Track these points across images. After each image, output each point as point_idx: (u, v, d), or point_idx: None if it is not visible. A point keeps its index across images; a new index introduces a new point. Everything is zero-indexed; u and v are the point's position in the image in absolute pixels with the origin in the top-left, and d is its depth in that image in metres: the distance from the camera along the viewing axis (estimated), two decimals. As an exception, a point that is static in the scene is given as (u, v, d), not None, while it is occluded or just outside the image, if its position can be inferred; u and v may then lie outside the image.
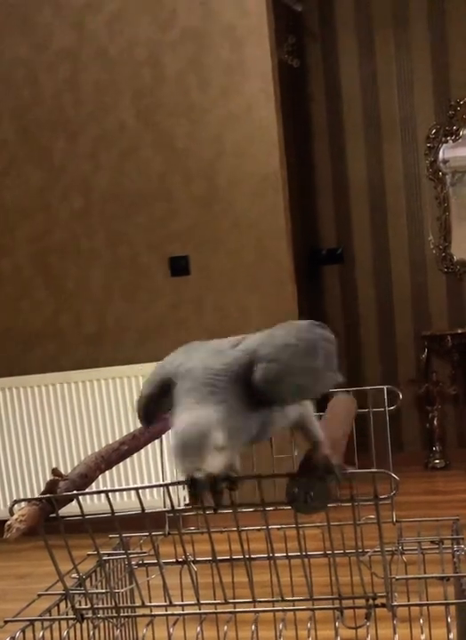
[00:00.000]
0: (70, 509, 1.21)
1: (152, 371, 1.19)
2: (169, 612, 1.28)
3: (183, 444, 0.99)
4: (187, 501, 3.66)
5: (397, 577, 1.32)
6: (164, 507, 1.30)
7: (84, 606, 1.27)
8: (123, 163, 4.08)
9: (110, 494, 1.12)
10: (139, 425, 1.30)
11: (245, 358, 1.08)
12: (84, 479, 1.17)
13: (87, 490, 1.20)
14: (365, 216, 5.08)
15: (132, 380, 3.92)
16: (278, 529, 1.54)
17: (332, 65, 5.08)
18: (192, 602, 1.24)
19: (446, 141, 4.96)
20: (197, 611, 1.25)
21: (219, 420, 1.00)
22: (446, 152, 4.97)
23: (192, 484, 1.00)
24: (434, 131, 4.95)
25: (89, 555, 1.43)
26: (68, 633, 1.27)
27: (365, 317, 5.06)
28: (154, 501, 3.39)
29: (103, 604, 1.36)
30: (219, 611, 1.26)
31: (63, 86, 4.12)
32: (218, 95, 3.96)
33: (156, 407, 1.14)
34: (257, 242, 3.96)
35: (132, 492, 1.12)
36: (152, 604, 1.29)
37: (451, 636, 1.22)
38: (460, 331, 4.73)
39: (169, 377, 1.12)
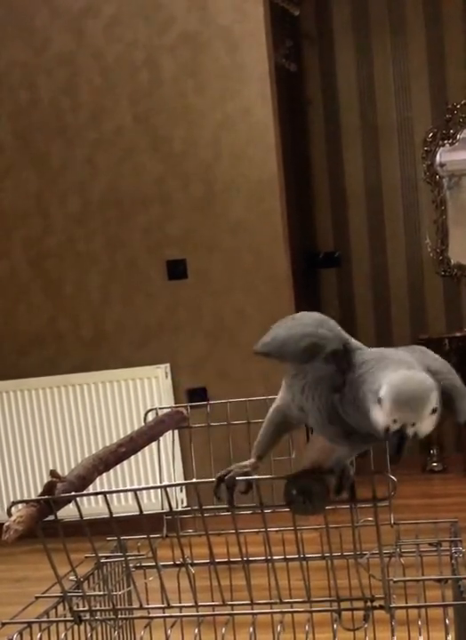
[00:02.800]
0: (68, 512, 1.21)
1: (313, 318, 1.15)
2: (167, 615, 1.28)
3: (411, 394, 0.98)
4: (185, 504, 3.66)
5: (396, 579, 1.32)
6: (162, 509, 1.30)
7: (81, 609, 1.27)
8: (120, 166, 4.08)
9: (108, 496, 1.12)
10: (136, 428, 1.30)
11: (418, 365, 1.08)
12: (82, 481, 1.17)
13: (85, 491, 1.19)
14: (363, 219, 5.08)
15: (129, 384, 3.91)
16: (276, 532, 1.54)
17: (329, 69, 5.09)
18: (190, 604, 1.24)
19: (443, 145, 4.96)
20: (195, 613, 1.25)
21: (434, 384, 1.01)
22: (443, 155, 4.98)
23: (397, 440, 0.98)
24: (431, 134, 4.96)
25: (87, 557, 1.43)
26: (65, 635, 1.27)
27: (363, 321, 5.06)
28: (151, 504, 3.39)
29: (101, 606, 1.36)
30: (217, 613, 1.26)
31: (61, 90, 4.12)
32: (215, 99, 3.97)
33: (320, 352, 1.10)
34: (254, 245, 3.96)
35: (130, 495, 1.12)
36: (150, 606, 1.28)
37: (449, 638, 1.21)
38: (457, 334, 4.73)
39: (346, 339, 1.11)
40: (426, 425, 1.00)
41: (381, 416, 1.00)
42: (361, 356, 1.09)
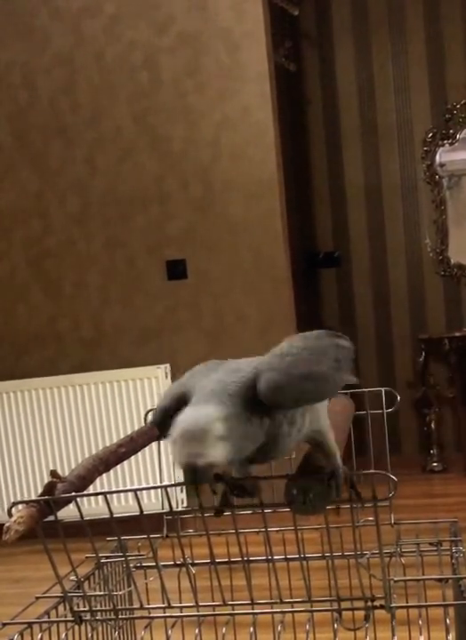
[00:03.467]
0: (69, 513, 1.21)
1: (170, 386, 1.24)
2: (167, 615, 1.28)
3: (183, 432, 1.02)
4: (185, 504, 3.66)
5: (396, 579, 1.32)
6: (163, 509, 1.29)
7: (82, 609, 1.27)
8: (119, 166, 4.08)
9: (108, 496, 1.12)
10: (136, 428, 1.30)
11: (253, 372, 1.10)
12: (83, 481, 1.17)
13: (85, 492, 1.19)
14: (362, 219, 5.08)
15: (129, 384, 3.91)
16: (277, 531, 1.53)
17: (328, 69, 5.09)
18: (191, 604, 1.24)
19: (443, 145, 4.96)
20: (196, 613, 1.25)
21: (219, 414, 1.03)
22: (443, 155, 4.97)
23: (191, 474, 1.02)
24: (430, 134, 4.96)
25: (87, 557, 1.43)
26: (66, 635, 1.27)
27: (363, 320, 5.06)
28: (152, 504, 3.38)
29: (101, 606, 1.36)
30: (217, 613, 1.26)
31: (60, 90, 4.12)
32: (214, 99, 3.97)
33: (170, 420, 1.16)
34: (254, 245, 3.96)
35: (130, 496, 1.12)
36: (150, 606, 1.28)
37: (449, 637, 1.21)
38: (457, 334, 4.73)
39: (185, 392, 1.15)
40: (213, 455, 1.02)
41: (172, 455, 1.04)
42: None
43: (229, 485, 1.18)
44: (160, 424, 1.18)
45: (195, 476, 1.02)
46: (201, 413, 1.04)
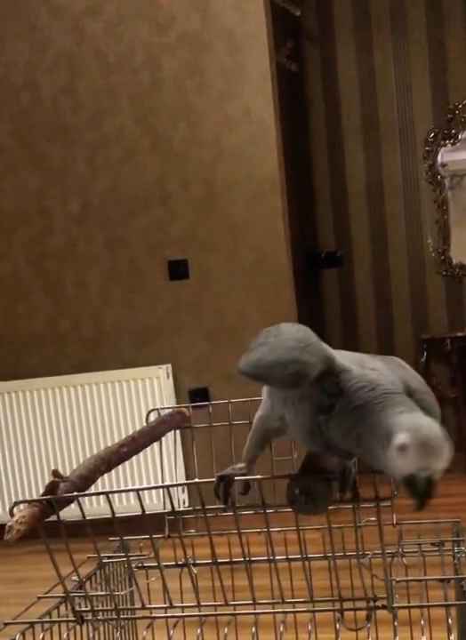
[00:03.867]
0: (70, 513, 1.21)
1: (298, 336, 1.13)
2: (169, 615, 1.28)
3: (436, 444, 1.03)
4: (187, 504, 3.66)
5: (398, 579, 1.32)
6: (164, 509, 1.29)
7: (84, 609, 1.27)
8: (121, 166, 4.07)
9: (110, 496, 1.12)
10: (138, 428, 1.30)
11: (401, 386, 1.12)
12: (84, 481, 1.17)
13: (87, 492, 1.19)
14: (364, 219, 5.08)
15: (131, 384, 3.91)
16: (279, 532, 1.53)
17: (330, 69, 5.09)
18: (192, 604, 1.24)
19: (445, 145, 4.96)
20: (198, 613, 1.25)
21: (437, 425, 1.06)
22: (445, 156, 4.97)
23: (423, 486, 1.03)
24: (432, 134, 4.95)
25: (89, 557, 1.43)
26: (68, 635, 1.27)
27: (364, 320, 5.06)
28: (154, 504, 3.38)
29: (103, 606, 1.36)
30: (219, 613, 1.26)
31: (62, 90, 4.12)
32: (216, 99, 3.96)
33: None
34: (256, 245, 3.96)
35: (132, 496, 1.12)
36: (152, 606, 1.28)
37: (451, 638, 1.21)
38: (459, 334, 4.73)
39: (332, 359, 1.11)
40: (440, 471, 1.05)
41: (404, 463, 1.03)
42: (350, 380, 1.10)
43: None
44: (297, 380, 1.08)
45: (426, 489, 1.03)
46: (439, 428, 1.05)
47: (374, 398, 1.07)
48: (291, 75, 4.93)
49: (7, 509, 3.16)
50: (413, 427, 1.02)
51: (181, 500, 3.72)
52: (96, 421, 3.95)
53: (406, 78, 4.98)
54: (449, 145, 4.96)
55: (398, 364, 1.19)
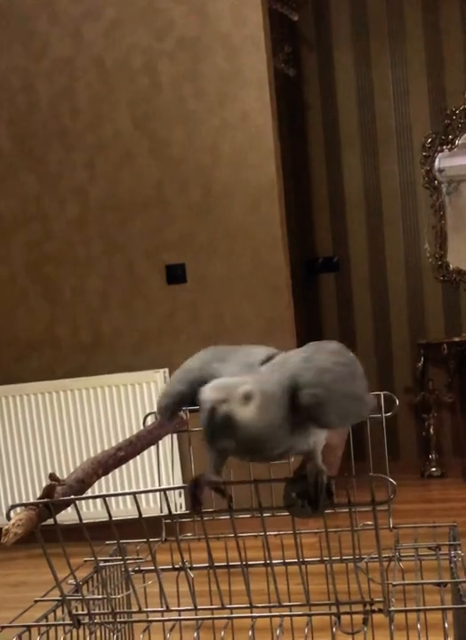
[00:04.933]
0: (67, 516, 1.21)
1: (181, 370, 1.22)
2: (166, 618, 1.27)
3: (212, 386, 1.04)
4: (184, 508, 3.65)
5: (395, 583, 1.32)
6: (161, 512, 1.29)
7: (80, 612, 1.27)
8: (119, 171, 4.08)
9: (107, 500, 1.12)
10: (136, 431, 1.30)
11: (286, 381, 1.09)
12: (81, 484, 1.17)
13: (84, 495, 1.19)
14: (361, 225, 5.09)
15: (128, 388, 3.91)
16: (275, 535, 1.53)
17: (328, 74, 5.10)
18: (189, 608, 1.24)
19: (442, 150, 4.98)
20: (194, 617, 1.25)
21: (255, 384, 1.04)
22: (442, 161, 4.99)
23: (211, 424, 1.01)
24: (430, 140, 4.97)
25: (86, 561, 1.43)
26: (64, 639, 1.27)
27: (361, 326, 5.07)
28: (150, 508, 3.38)
29: (100, 609, 1.36)
30: (216, 617, 1.26)
31: (60, 95, 4.12)
32: (214, 104, 3.97)
33: (181, 405, 1.16)
34: (253, 250, 3.97)
35: (129, 500, 1.12)
36: (149, 609, 1.28)
37: (448, 642, 1.21)
38: (456, 339, 4.74)
39: (204, 378, 1.13)
40: (242, 410, 1.02)
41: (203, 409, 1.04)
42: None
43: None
44: (172, 408, 1.17)
45: (214, 426, 1.01)
46: (234, 379, 1.05)
47: None
48: (288, 80, 4.94)
49: (4, 512, 3.17)
50: (203, 390, 1.04)
51: (179, 503, 3.72)
52: (94, 425, 3.95)
53: (404, 83, 4.99)
54: (446, 150, 4.97)
55: (314, 349, 1.18)
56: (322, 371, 1.11)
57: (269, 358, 1.17)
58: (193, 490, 1.15)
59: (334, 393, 1.09)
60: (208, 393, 1.03)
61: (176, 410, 1.17)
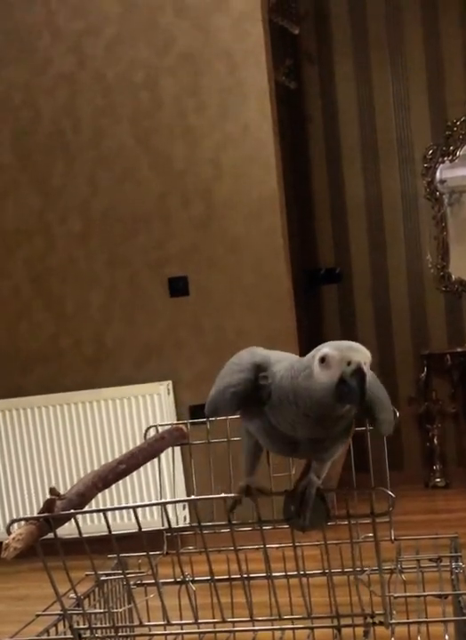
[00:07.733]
0: (68, 531, 1.21)
1: (231, 364, 1.31)
2: (167, 632, 1.28)
3: (351, 345, 1.08)
4: (187, 520, 3.65)
5: (396, 595, 1.32)
6: (162, 526, 1.30)
7: (82, 626, 1.27)
8: (121, 185, 4.10)
9: (108, 514, 1.12)
10: (137, 443, 1.31)
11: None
12: (82, 498, 1.17)
13: (84, 509, 1.20)
14: (363, 236, 5.10)
15: (131, 401, 3.92)
16: (276, 548, 1.53)
17: (329, 87, 5.12)
18: (190, 621, 1.24)
19: (443, 161, 4.98)
20: (196, 630, 1.25)
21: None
22: (444, 172, 4.99)
23: (361, 378, 1.04)
24: (431, 151, 4.98)
25: (87, 575, 1.43)
26: (65, 653, 1.27)
27: (364, 336, 5.07)
28: (152, 521, 3.38)
29: (101, 623, 1.36)
30: (217, 630, 1.26)
31: (62, 110, 4.15)
32: (215, 117, 3.99)
33: (247, 393, 1.18)
34: (255, 262, 3.97)
35: (130, 514, 1.12)
36: (150, 623, 1.28)
37: (449, 654, 1.21)
38: (459, 349, 4.74)
39: (263, 366, 1.19)
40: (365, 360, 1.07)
41: (329, 372, 1.07)
42: (275, 367, 1.18)
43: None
44: (241, 396, 1.17)
45: (359, 382, 1.04)
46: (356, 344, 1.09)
47: (291, 365, 1.14)
48: (289, 93, 4.96)
49: (5, 527, 3.16)
50: (326, 345, 1.08)
51: (182, 516, 3.71)
52: (97, 438, 3.95)
53: (404, 95, 5.01)
54: (448, 161, 4.98)
55: None
56: (379, 387, 1.20)
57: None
58: (243, 497, 1.18)
59: (389, 410, 1.19)
60: (355, 352, 1.07)
61: (244, 397, 1.18)
